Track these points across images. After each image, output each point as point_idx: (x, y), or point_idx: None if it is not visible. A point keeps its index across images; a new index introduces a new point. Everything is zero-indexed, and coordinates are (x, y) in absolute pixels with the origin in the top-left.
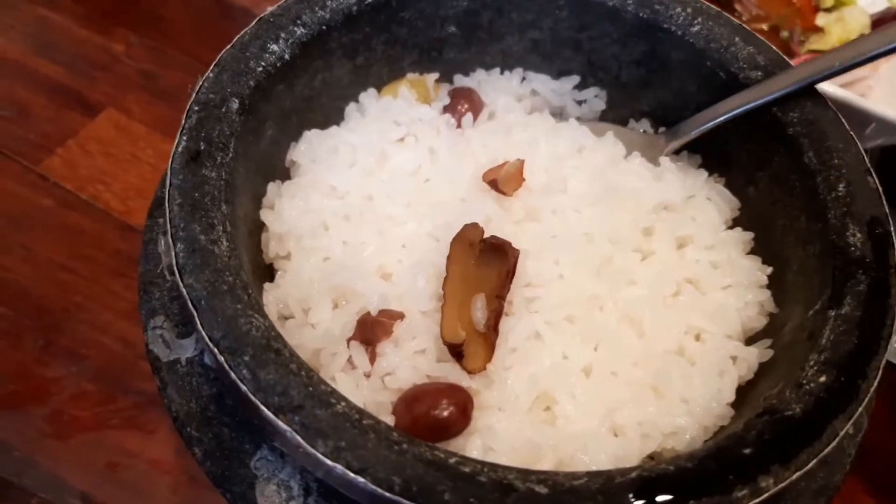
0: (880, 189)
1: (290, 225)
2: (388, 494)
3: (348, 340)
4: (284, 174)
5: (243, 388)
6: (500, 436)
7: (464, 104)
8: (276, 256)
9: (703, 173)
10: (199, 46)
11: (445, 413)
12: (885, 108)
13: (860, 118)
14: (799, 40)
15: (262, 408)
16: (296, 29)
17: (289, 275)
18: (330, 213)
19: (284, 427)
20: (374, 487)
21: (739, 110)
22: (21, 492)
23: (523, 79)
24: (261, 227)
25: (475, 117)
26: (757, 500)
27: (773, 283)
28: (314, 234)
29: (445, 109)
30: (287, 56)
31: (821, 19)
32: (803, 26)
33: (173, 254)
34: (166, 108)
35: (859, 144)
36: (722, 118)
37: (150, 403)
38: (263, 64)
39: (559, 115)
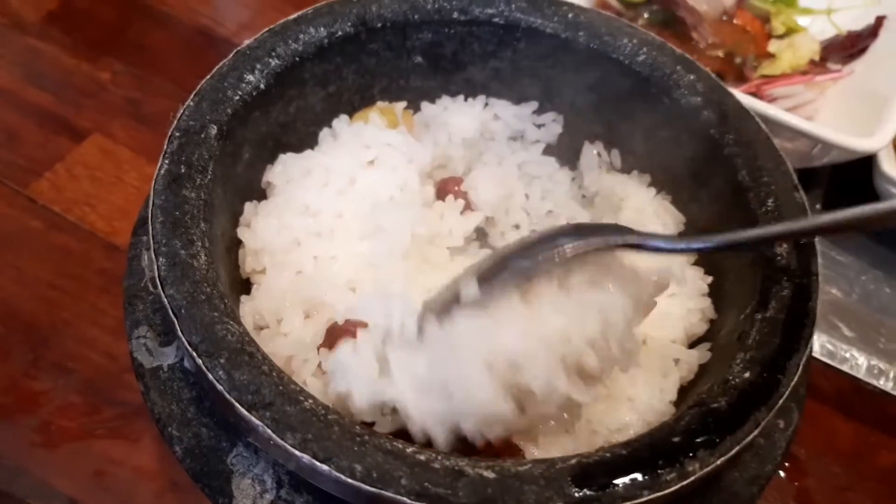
0: (806, 203)
1: (266, 241)
2: (350, 481)
3: (318, 347)
4: (261, 195)
5: (219, 387)
6: None
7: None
8: (253, 271)
9: (652, 190)
10: (183, 74)
11: None
12: (827, 130)
13: (807, 140)
14: (752, 66)
15: (237, 405)
16: (270, 60)
17: (263, 288)
18: (303, 230)
19: (257, 422)
20: (338, 475)
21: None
22: (11, 499)
23: (486, 104)
24: (238, 243)
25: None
26: (684, 483)
27: (714, 291)
28: (287, 250)
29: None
30: (262, 86)
31: (773, 46)
32: (757, 53)
33: (156, 267)
34: (150, 134)
35: (788, 164)
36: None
37: (135, 414)
38: (240, 93)
39: (520, 138)
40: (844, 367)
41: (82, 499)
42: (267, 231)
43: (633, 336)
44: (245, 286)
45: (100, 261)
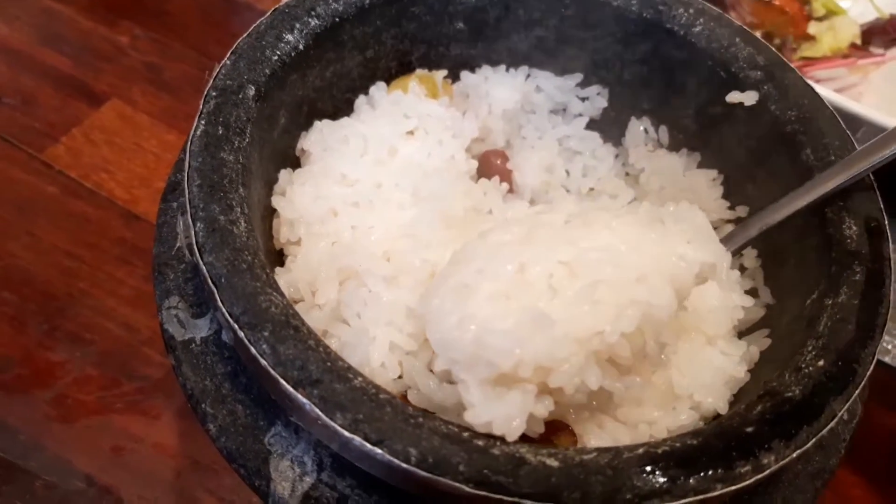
0: (875, 185)
1: (301, 211)
2: (404, 465)
3: None
4: (295, 162)
5: (263, 362)
6: None
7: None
8: (287, 242)
9: (702, 171)
10: (203, 40)
11: None
12: (876, 112)
13: (851, 122)
14: (791, 47)
15: (282, 381)
16: (310, 20)
17: (299, 259)
18: (340, 200)
19: (303, 400)
20: (390, 458)
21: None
22: (26, 474)
23: (528, 76)
24: (272, 212)
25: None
26: (759, 476)
27: (772, 277)
28: (323, 221)
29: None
30: (301, 46)
31: (812, 28)
32: (795, 34)
33: (193, 232)
34: (170, 100)
35: (855, 142)
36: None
37: (155, 389)
38: (279, 53)
39: (562, 111)
40: (886, 359)
41: (99, 476)
42: (303, 200)
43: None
44: (279, 258)
45: (118, 229)
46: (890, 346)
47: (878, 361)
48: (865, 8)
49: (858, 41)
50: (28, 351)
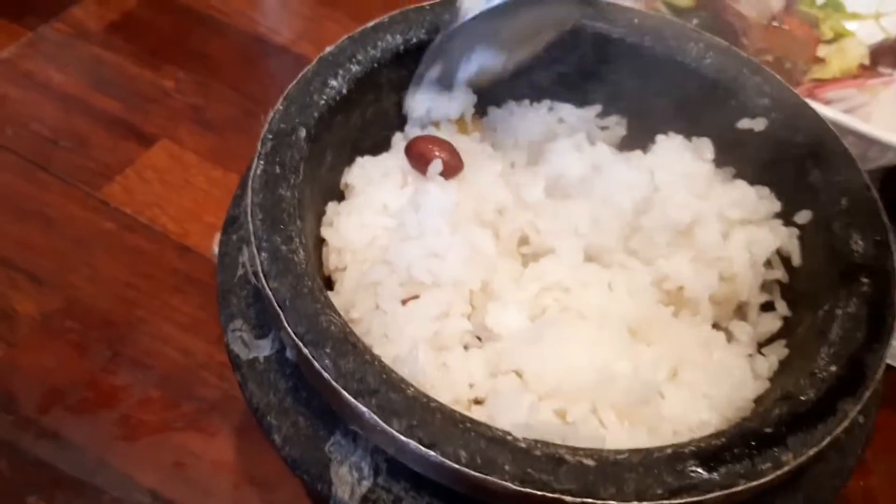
0: (879, 202)
1: (347, 240)
2: (455, 466)
3: None
4: (340, 195)
5: (326, 375)
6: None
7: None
8: (335, 269)
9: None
10: (243, 81)
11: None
12: (885, 132)
13: (862, 141)
14: (802, 70)
15: (344, 393)
16: (351, 66)
17: (345, 284)
18: (381, 227)
19: (363, 409)
20: (443, 460)
21: None
22: (94, 490)
23: (550, 108)
24: (321, 242)
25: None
26: (779, 472)
27: (788, 290)
28: (367, 247)
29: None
30: (344, 90)
31: (822, 51)
32: (806, 58)
33: (258, 262)
34: (214, 138)
35: (858, 163)
36: None
37: (212, 409)
38: (325, 98)
39: None
40: None
41: (162, 490)
42: (348, 229)
43: None
44: (328, 284)
45: (172, 261)
46: None
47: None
48: (873, 29)
49: (867, 62)
50: (92, 376)
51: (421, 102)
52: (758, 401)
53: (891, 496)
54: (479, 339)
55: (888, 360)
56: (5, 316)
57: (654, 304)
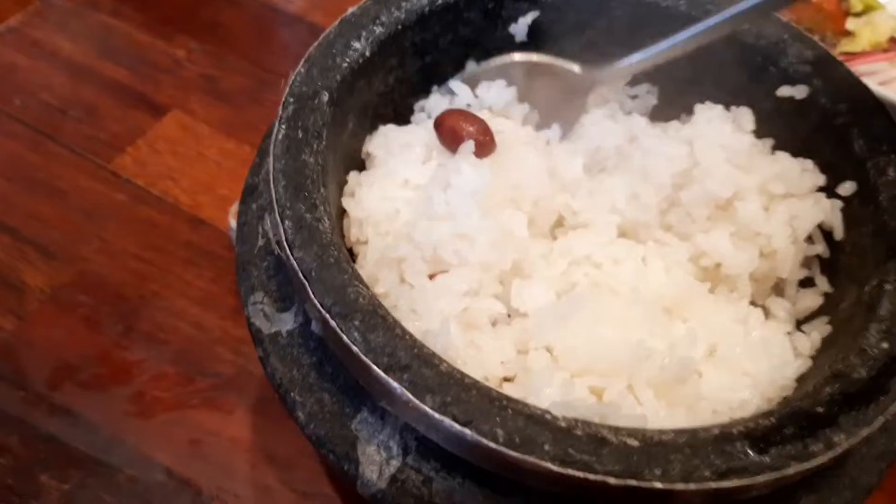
0: None
1: (369, 212)
2: (492, 445)
3: None
4: (361, 164)
5: (355, 349)
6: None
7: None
8: (357, 241)
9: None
10: (256, 51)
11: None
12: None
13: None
14: (831, 43)
15: (374, 367)
16: (375, 28)
17: (367, 257)
18: (403, 202)
19: (395, 384)
20: (479, 438)
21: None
22: (109, 468)
23: None
24: (342, 213)
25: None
26: (831, 454)
27: (828, 265)
28: (390, 220)
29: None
30: (368, 53)
31: (850, 24)
32: (834, 30)
33: (282, 230)
34: (227, 110)
35: None
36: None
37: (227, 385)
38: (348, 60)
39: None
40: None
41: (178, 468)
42: (370, 201)
43: None
44: (350, 256)
45: (184, 233)
46: None
47: None
48: None
49: None
50: (105, 350)
51: (465, 89)
52: (801, 379)
53: None
54: (509, 315)
55: None
56: (15, 289)
57: (690, 281)
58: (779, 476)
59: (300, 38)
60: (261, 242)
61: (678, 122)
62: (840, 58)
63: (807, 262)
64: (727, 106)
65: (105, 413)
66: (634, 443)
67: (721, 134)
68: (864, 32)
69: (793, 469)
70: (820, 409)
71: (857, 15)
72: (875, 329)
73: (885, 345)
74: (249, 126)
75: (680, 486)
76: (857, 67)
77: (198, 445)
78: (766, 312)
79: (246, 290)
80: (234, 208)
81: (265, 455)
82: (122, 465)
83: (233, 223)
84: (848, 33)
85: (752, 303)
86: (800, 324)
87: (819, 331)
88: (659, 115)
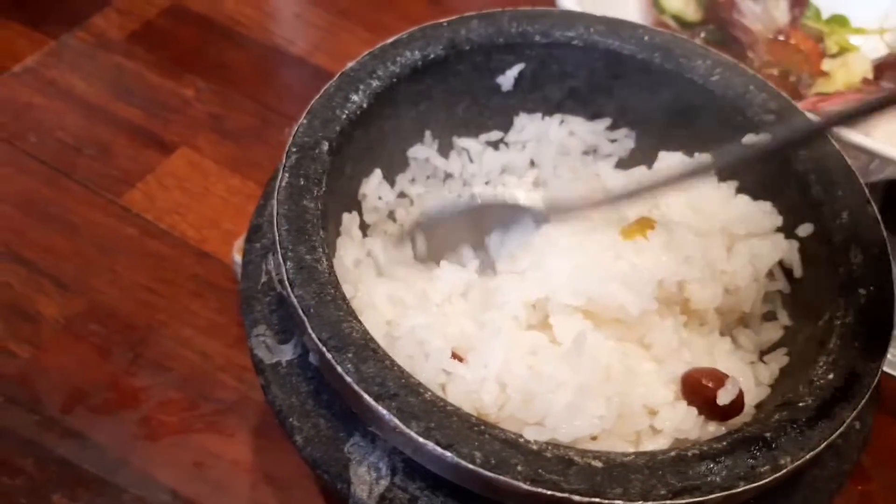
0: (878, 217)
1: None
2: (471, 466)
3: None
4: (357, 205)
5: (348, 379)
6: None
7: None
8: None
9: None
10: (261, 91)
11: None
12: (886, 145)
13: (863, 154)
14: (807, 84)
15: (365, 395)
16: (372, 82)
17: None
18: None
19: (384, 412)
20: (458, 460)
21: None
22: (115, 488)
23: (561, 122)
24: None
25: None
26: (777, 475)
27: (789, 301)
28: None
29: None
30: (365, 105)
31: (826, 65)
32: (811, 71)
33: (284, 270)
34: (233, 147)
35: (860, 178)
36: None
37: (230, 410)
38: (346, 112)
39: (592, 152)
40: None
41: (182, 489)
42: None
43: None
44: None
45: (191, 266)
46: None
47: (888, 375)
48: (877, 44)
49: (870, 76)
50: (114, 377)
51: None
52: (759, 406)
53: (889, 501)
54: None
55: (887, 369)
56: (30, 319)
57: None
58: (728, 494)
59: (303, 79)
60: (264, 279)
61: (645, 167)
62: (816, 98)
63: (770, 297)
64: (693, 152)
65: (113, 436)
66: (598, 464)
67: None
68: (839, 73)
69: (742, 488)
70: (768, 434)
71: (833, 56)
72: (823, 361)
73: (830, 376)
74: (254, 163)
75: None
76: (831, 107)
77: (201, 467)
78: (734, 343)
79: (249, 323)
80: (239, 243)
81: (265, 476)
82: (129, 486)
83: (237, 257)
84: (824, 74)
85: (721, 333)
86: (763, 354)
87: (777, 361)
88: (636, 158)
